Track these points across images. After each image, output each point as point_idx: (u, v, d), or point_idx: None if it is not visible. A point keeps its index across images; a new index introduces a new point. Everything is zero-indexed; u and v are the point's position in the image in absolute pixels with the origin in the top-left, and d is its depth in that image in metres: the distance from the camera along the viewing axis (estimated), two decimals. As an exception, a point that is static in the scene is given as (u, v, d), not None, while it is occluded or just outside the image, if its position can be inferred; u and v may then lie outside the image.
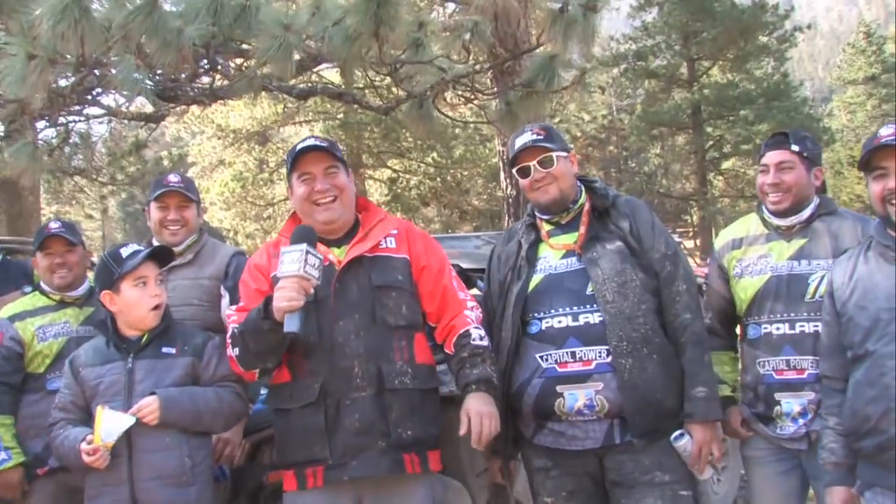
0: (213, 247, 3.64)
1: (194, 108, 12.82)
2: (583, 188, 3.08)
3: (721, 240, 3.37)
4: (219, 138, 18.33)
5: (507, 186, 10.25)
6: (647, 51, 25.22)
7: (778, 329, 3.03)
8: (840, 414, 2.64)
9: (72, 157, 9.99)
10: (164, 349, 2.93)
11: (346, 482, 2.68)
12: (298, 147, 2.88)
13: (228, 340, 2.79)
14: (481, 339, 2.82)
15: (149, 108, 5.77)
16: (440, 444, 2.83)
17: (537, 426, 2.92)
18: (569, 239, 2.99)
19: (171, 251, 3.11)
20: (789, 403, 2.99)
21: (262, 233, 19.51)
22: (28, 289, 3.88)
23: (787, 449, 3.04)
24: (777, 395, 3.02)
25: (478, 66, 5.99)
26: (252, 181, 17.89)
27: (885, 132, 2.54)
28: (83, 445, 2.74)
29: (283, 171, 14.12)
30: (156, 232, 3.50)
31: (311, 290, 2.56)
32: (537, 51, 5.92)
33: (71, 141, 7.68)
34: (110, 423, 2.73)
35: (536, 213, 3.10)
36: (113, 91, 5.38)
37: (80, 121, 5.74)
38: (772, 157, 3.12)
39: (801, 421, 2.98)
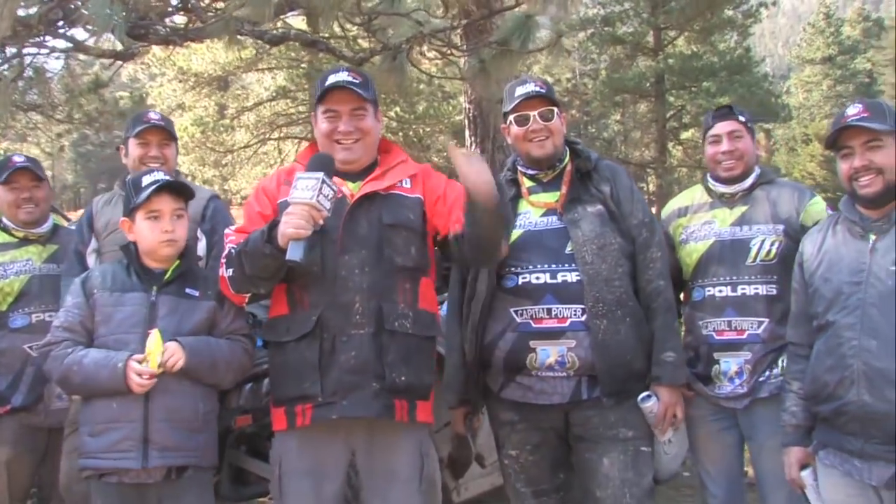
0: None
1: (157, 50, 12.51)
2: (567, 149, 3.11)
3: (667, 209, 3.49)
4: (180, 81, 17.90)
5: (471, 144, 10.23)
6: (614, 17, 25.10)
7: (721, 292, 3.16)
8: (803, 379, 2.74)
9: (26, 92, 9.68)
10: (188, 290, 2.84)
11: (336, 423, 2.63)
12: (328, 81, 2.77)
13: (223, 260, 2.71)
14: None
15: (112, 46, 5.58)
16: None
17: (506, 380, 2.97)
18: (550, 197, 3.03)
19: (184, 184, 2.95)
20: (728, 363, 3.13)
21: (221, 179, 19.25)
22: None
23: (725, 409, 3.17)
24: (717, 355, 3.15)
25: (455, 23, 5.93)
26: (213, 127, 17.56)
27: (852, 112, 2.62)
28: (135, 365, 2.63)
29: (244, 117, 13.86)
30: (134, 170, 3.36)
31: (321, 221, 2.48)
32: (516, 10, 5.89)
33: (25, 75, 7.40)
34: (157, 349, 2.65)
35: (519, 168, 3.12)
36: (80, 25, 5.24)
37: (39, 53, 5.53)
38: (723, 126, 3.27)
39: (737, 381, 3.12)
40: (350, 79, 2.75)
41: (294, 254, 2.42)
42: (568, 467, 3.03)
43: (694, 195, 3.40)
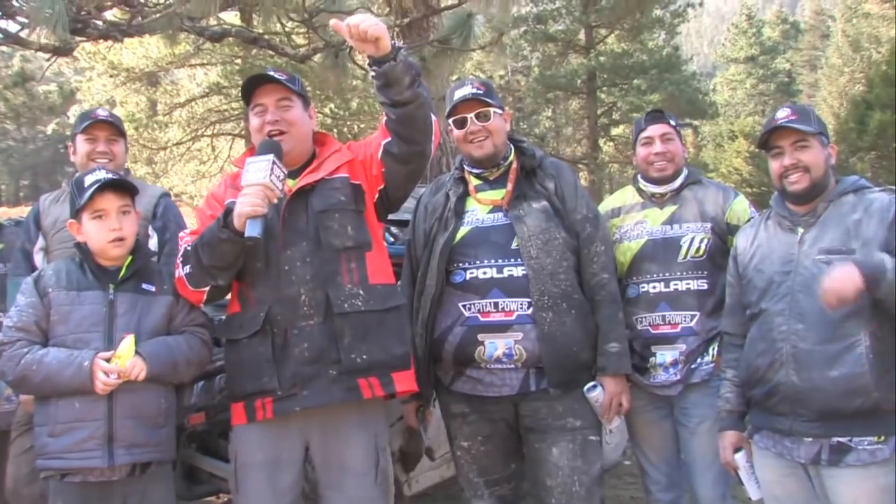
0: (141, 187, 3.54)
1: (86, 44, 12.18)
2: (512, 147, 3.17)
3: (601, 209, 3.55)
4: (110, 76, 17.45)
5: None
6: (547, 15, 25.49)
7: (654, 288, 3.28)
8: (737, 367, 2.90)
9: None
10: (145, 285, 2.82)
11: (296, 415, 2.65)
12: (251, 77, 2.84)
13: (179, 260, 2.73)
14: None
15: (50, 40, 5.46)
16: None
17: (456, 373, 3.03)
18: (496, 195, 3.09)
19: (126, 181, 2.93)
20: (663, 355, 3.25)
21: (154, 176, 18.79)
22: None
23: (661, 398, 3.30)
24: (653, 348, 3.27)
25: (398, 21, 5.99)
26: (145, 124, 17.18)
27: (781, 115, 2.81)
28: (102, 363, 2.60)
29: (176, 114, 13.59)
30: (82, 166, 3.33)
31: (275, 201, 2.56)
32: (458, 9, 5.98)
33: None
34: (129, 354, 2.63)
35: (465, 167, 3.18)
36: (15, 19, 5.12)
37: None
38: (655, 129, 3.41)
39: (671, 370, 3.24)
40: (270, 74, 2.84)
41: (253, 230, 2.50)
42: (519, 457, 3.11)
43: (626, 196, 3.52)
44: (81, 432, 2.63)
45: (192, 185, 20.28)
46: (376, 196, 2.85)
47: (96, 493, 2.70)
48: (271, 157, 2.53)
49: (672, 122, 3.44)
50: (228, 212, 2.56)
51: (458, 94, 3.10)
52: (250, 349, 2.68)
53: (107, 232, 2.77)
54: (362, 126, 20.53)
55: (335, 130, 19.99)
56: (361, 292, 2.69)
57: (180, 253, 2.75)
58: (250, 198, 2.49)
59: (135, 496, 2.75)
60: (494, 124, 3.07)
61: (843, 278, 2.44)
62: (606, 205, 3.58)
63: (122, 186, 2.85)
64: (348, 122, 20.08)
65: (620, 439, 5.24)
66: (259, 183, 2.50)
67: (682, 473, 3.47)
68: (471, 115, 3.06)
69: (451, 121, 3.13)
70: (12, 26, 5.26)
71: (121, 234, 2.78)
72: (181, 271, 2.71)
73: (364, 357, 2.65)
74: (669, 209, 3.35)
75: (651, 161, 3.38)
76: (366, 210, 2.82)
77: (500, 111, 3.12)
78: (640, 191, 3.46)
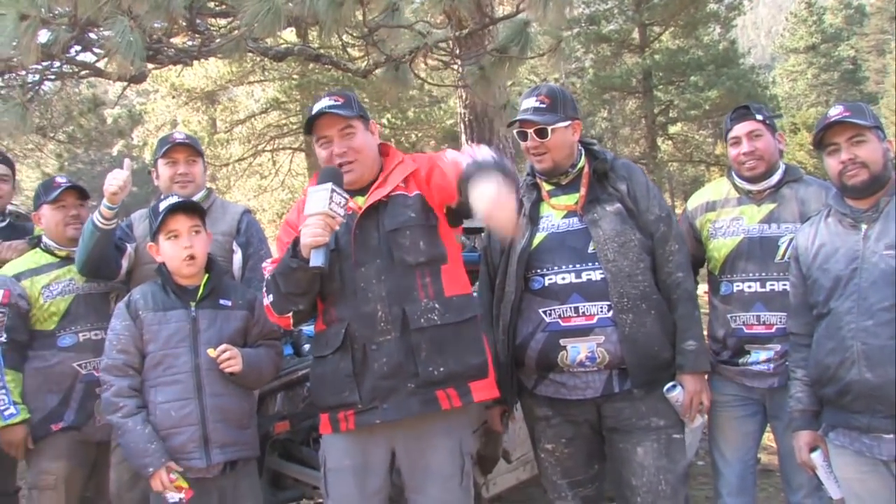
0: (223, 204, 3.70)
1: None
2: (583, 151, 3.18)
3: (694, 201, 3.56)
4: (172, 97, 17.97)
5: (468, 148, 10.28)
6: (599, 15, 25.31)
7: (749, 287, 3.24)
8: (806, 366, 2.89)
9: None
10: (222, 301, 3.08)
11: (378, 426, 2.74)
12: (313, 112, 2.87)
13: (264, 290, 2.84)
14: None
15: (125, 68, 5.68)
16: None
17: (539, 377, 3.07)
18: (570, 200, 3.12)
19: (195, 203, 3.12)
20: (757, 354, 3.23)
21: (218, 193, 19.16)
22: (30, 237, 3.89)
23: (751, 395, 3.28)
24: (747, 347, 3.25)
25: (457, 33, 6.07)
26: (209, 141, 17.58)
27: (834, 112, 2.81)
28: (164, 478, 2.87)
29: (237, 130, 13.87)
30: (166, 189, 3.52)
31: (337, 227, 2.60)
32: (515, 17, 6.03)
33: (30, 98, 7.49)
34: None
35: (537, 174, 3.21)
36: (91, 50, 5.35)
37: (56, 79, 5.66)
38: (741, 128, 3.34)
39: (766, 365, 3.22)
40: (332, 102, 2.85)
41: (316, 260, 2.56)
42: (602, 458, 3.13)
43: (721, 189, 3.46)
44: (180, 437, 2.93)
45: (255, 200, 20.67)
46: (445, 209, 2.87)
47: (195, 489, 2.93)
48: (329, 185, 2.57)
49: (760, 117, 3.33)
50: (297, 241, 2.64)
51: (524, 105, 3.12)
52: (333, 364, 2.77)
53: (180, 250, 3.02)
54: (419, 135, 20.70)
55: (393, 140, 20.18)
56: (437, 306, 2.73)
57: (265, 282, 2.85)
58: (311, 228, 2.56)
59: (229, 489, 3.03)
60: (553, 141, 3.07)
61: None
62: (700, 197, 3.55)
63: (192, 208, 3.09)
64: (405, 132, 20.25)
65: (693, 439, 5.24)
66: (319, 212, 2.56)
67: (754, 478, 3.44)
68: (530, 131, 3.08)
69: (514, 132, 3.16)
70: (89, 57, 5.51)
71: (192, 251, 3.03)
72: (266, 300, 2.82)
73: (441, 370, 2.70)
74: (767, 207, 3.29)
75: (741, 161, 3.32)
76: (438, 223, 2.85)
77: (564, 124, 3.09)
78: (735, 186, 3.41)
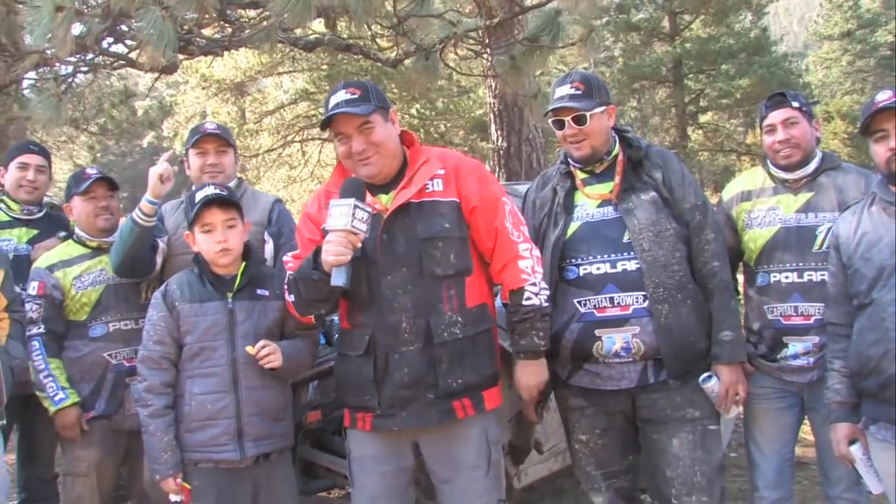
0: (253, 194, 3.71)
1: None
2: (617, 138, 3.14)
3: (730, 191, 3.50)
4: (203, 88, 18.07)
5: (497, 139, 10.30)
6: (629, 4, 25.07)
7: (787, 277, 3.19)
8: (845, 357, 2.83)
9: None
10: (259, 291, 3.07)
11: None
12: (329, 107, 2.77)
13: (286, 287, 2.84)
14: (535, 295, 2.80)
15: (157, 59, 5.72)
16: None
17: (574, 368, 3.05)
18: (604, 188, 3.08)
19: (230, 197, 3.11)
20: (795, 346, 3.18)
21: (248, 183, 19.28)
22: (62, 234, 3.97)
23: (789, 388, 3.24)
24: (785, 339, 3.20)
25: (487, 22, 6.04)
26: (238, 132, 17.68)
27: (882, 97, 2.73)
28: (171, 485, 2.95)
29: (266, 121, 13.95)
30: (196, 180, 3.53)
31: (359, 244, 2.57)
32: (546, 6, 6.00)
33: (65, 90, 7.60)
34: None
35: (571, 162, 3.17)
36: (123, 41, 5.40)
37: (89, 71, 5.72)
38: (777, 115, 3.27)
39: (805, 359, 3.17)
40: (348, 97, 2.73)
41: (338, 279, 2.56)
42: (636, 449, 3.11)
43: (756, 179, 3.40)
44: (215, 429, 2.94)
45: (284, 191, 20.76)
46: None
47: (227, 477, 3.00)
48: (352, 201, 2.53)
49: (795, 105, 3.27)
50: (319, 251, 2.61)
51: (557, 93, 3.08)
52: (356, 366, 2.79)
53: (214, 244, 3.02)
54: (448, 125, 20.66)
55: (421, 131, 20.15)
56: (460, 319, 2.74)
57: (286, 280, 2.86)
58: (333, 245, 2.54)
59: (262, 478, 3.05)
60: (592, 127, 3.03)
61: None
62: (735, 186, 3.49)
63: (227, 202, 3.06)
64: (434, 122, 20.22)
65: (725, 431, 5.20)
66: (341, 229, 2.53)
67: (791, 471, 3.40)
68: (567, 119, 3.04)
69: (550, 121, 3.13)
70: (121, 48, 5.56)
71: (226, 245, 3.02)
72: (288, 298, 2.84)
73: (459, 381, 2.72)
74: (804, 196, 3.23)
75: (776, 149, 3.27)
76: (469, 231, 2.82)
77: (600, 109, 3.05)
78: (770, 175, 3.35)
